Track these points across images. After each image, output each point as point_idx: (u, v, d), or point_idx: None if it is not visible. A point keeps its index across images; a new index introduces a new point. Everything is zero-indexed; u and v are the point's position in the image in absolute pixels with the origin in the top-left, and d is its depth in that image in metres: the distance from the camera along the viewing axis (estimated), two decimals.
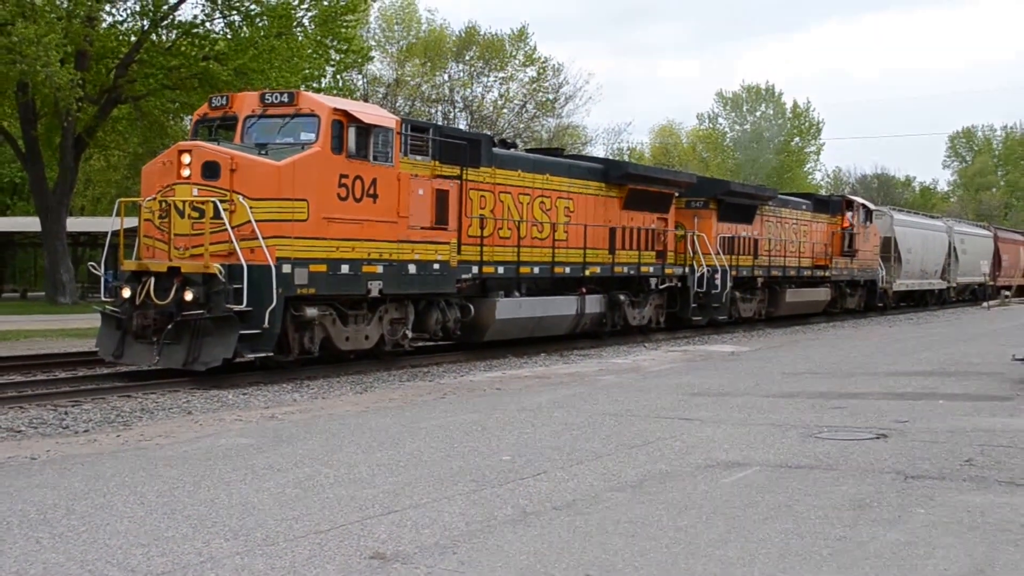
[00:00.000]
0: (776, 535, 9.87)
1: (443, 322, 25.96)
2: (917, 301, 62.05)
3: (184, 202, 20.81)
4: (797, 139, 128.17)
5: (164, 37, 51.20)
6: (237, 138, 22.22)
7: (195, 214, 20.68)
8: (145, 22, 50.81)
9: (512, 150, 30.87)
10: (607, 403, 19.15)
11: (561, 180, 30.19)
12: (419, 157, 24.46)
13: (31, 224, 60.30)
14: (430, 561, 8.96)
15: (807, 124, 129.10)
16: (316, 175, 21.33)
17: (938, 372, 25.00)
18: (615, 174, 33.00)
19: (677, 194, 36.47)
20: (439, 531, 9.92)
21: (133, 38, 50.49)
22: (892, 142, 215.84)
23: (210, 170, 20.67)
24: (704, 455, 13.95)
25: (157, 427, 16.37)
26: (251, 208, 20.32)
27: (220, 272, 20.16)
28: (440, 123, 69.90)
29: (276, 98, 22.30)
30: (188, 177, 20.74)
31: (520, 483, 12.06)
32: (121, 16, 52.92)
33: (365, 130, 22.43)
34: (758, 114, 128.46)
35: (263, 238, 20.26)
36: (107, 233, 22.89)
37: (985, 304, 68.20)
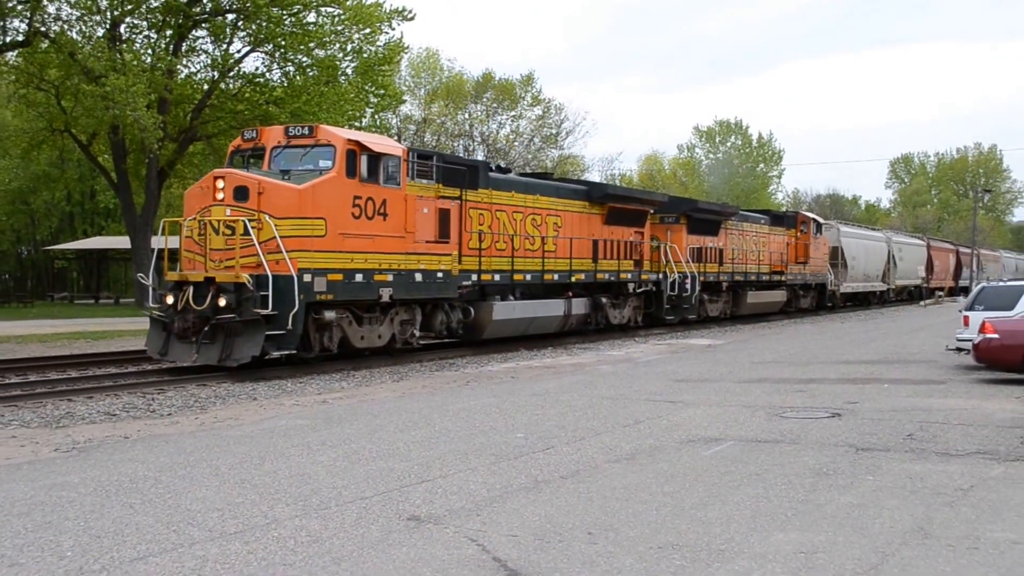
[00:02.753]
0: (748, 499, 9.86)
1: (447, 323, 25.78)
2: (861, 301, 61.68)
3: (219, 221, 20.68)
4: (762, 165, 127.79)
5: (231, 85, 51.27)
6: (265, 165, 22.09)
7: (228, 231, 20.52)
8: (215, 73, 50.94)
9: (507, 174, 30.55)
10: (605, 388, 19.14)
11: (550, 200, 29.95)
12: (424, 180, 24.11)
13: (122, 242, 60.53)
14: (458, 522, 8.97)
15: (770, 152, 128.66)
16: (333, 197, 21.16)
17: (883, 360, 24.97)
18: (597, 194, 32.73)
19: (652, 211, 36.27)
20: (465, 497, 9.92)
21: (205, 86, 50.64)
22: (842, 166, 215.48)
23: (241, 193, 20.57)
24: (687, 432, 13.94)
25: (228, 411, 16.40)
26: (276, 226, 20.20)
27: (249, 281, 20.01)
28: (461, 154, 70.01)
29: (298, 131, 22.20)
30: (222, 200, 20.65)
31: (532, 456, 12.06)
32: (195, 68, 53.21)
33: (375, 158, 22.25)
34: (728, 144, 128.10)
35: (286, 251, 20.12)
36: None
37: (922, 303, 68.02)
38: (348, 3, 49.86)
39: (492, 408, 16.29)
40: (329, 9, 49.81)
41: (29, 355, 25.47)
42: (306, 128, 22.21)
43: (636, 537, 8.52)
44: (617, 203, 33.30)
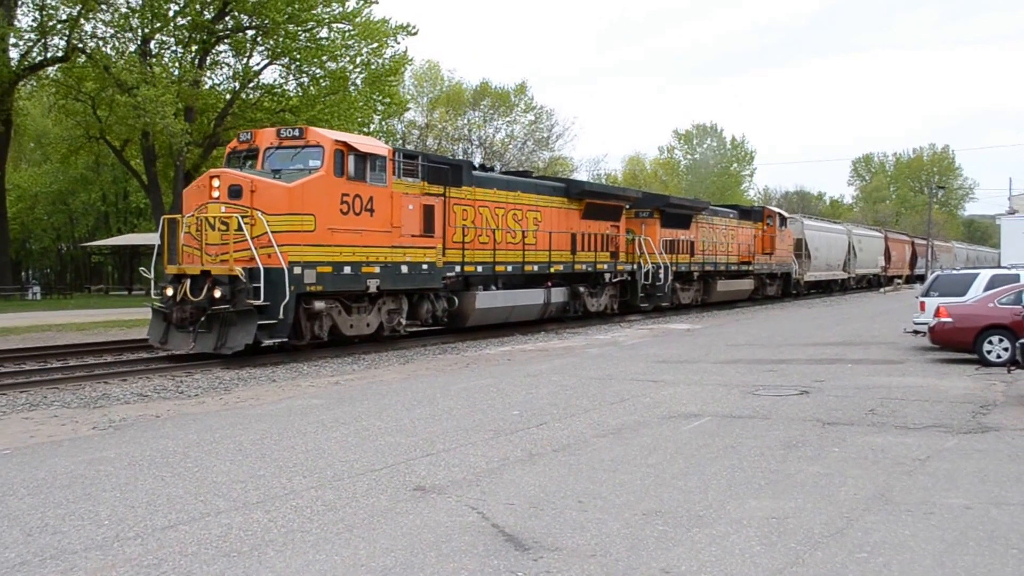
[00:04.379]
0: (724, 469, 9.85)
1: (433, 311, 25.31)
2: (824, 289, 61.11)
3: (214, 218, 20.31)
4: (735, 164, 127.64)
5: (251, 95, 51.24)
6: (259, 165, 21.57)
7: (223, 227, 20.12)
8: (236, 84, 50.93)
9: (489, 172, 29.91)
10: (593, 369, 19.11)
11: (529, 196, 29.40)
12: (410, 179, 23.63)
13: (153, 239, 60.29)
14: (459, 492, 8.96)
15: (743, 153, 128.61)
16: (321, 194, 20.73)
17: (847, 343, 24.96)
18: (574, 191, 32.23)
19: (627, 206, 35.83)
20: (466, 469, 9.91)
21: (228, 96, 50.60)
22: (809, 165, 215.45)
23: (235, 191, 20.18)
24: (668, 408, 13.93)
25: (250, 391, 16.38)
26: (267, 222, 19.81)
27: (242, 274, 19.61)
28: (460, 156, 69.82)
29: (289, 133, 21.73)
30: (217, 198, 20.27)
31: (527, 432, 12.04)
32: (218, 80, 53.17)
33: (362, 157, 21.80)
34: (705, 146, 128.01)
35: (277, 246, 19.72)
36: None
37: (882, 290, 67.97)
38: (357, 20, 49.95)
39: (490, 388, 16.26)
40: (340, 26, 49.95)
41: (68, 342, 25.45)
42: (296, 130, 21.77)
43: (622, 504, 8.51)
44: (594, 199, 32.84)
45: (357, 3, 49.99)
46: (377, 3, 54.51)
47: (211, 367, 19.52)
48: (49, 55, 48.66)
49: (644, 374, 18.25)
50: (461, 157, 72.19)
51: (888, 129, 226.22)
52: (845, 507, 8.42)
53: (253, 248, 19.70)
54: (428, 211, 24.29)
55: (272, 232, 19.80)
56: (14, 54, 49.95)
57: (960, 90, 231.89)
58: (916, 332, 23.69)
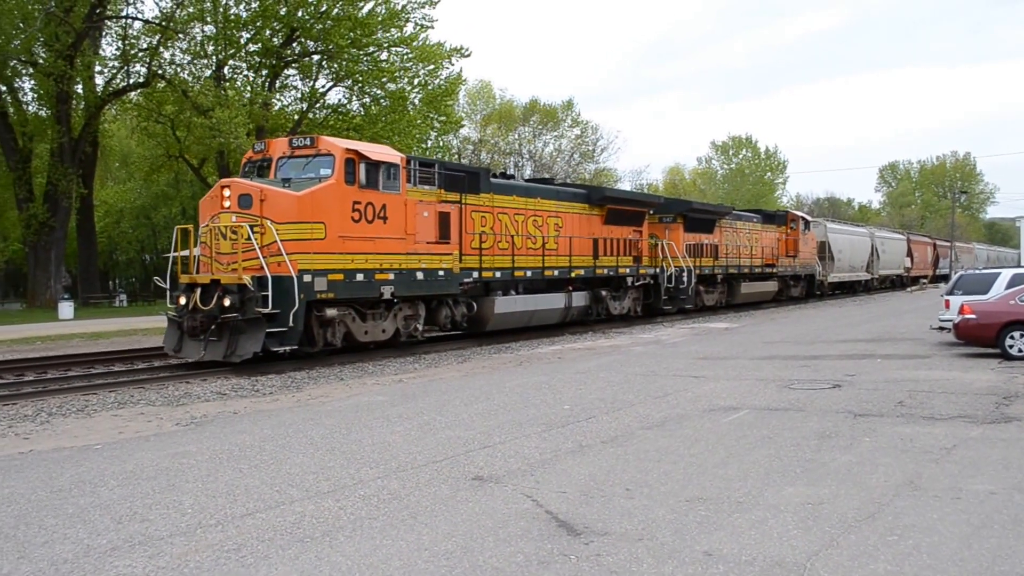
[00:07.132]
0: (762, 459, 9.80)
1: (451, 316, 24.28)
2: (848, 289, 59.71)
3: (225, 227, 19.46)
4: (769, 173, 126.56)
5: (318, 115, 51.60)
6: (271, 175, 20.55)
7: (233, 236, 19.27)
8: (304, 105, 51.35)
9: (509, 180, 28.85)
10: (638, 366, 19.06)
11: (550, 203, 28.30)
12: (426, 186, 22.71)
13: None
14: (515, 481, 8.98)
15: (776, 162, 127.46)
16: (331, 202, 19.76)
17: (876, 339, 24.69)
18: (596, 197, 31.06)
19: (650, 212, 34.89)
20: (520, 460, 9.93)
21: (296, 116, 51.02)
22: (838, 173, 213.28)
23: (245, 201, 19.26)
24: (709, 402, 13.86)
25: (320, 389, 16.51)
26: (277, 230, 18.90)
27: (250, 283, 18.79)
28: (511, 170, 69.88)
29: (301, 142, 20.67)
30: (228, 207, 19.38)
31: (577, 425, 12.04)
32: (287, 101, 53.63)
33: (374, 165, 20.75)
34: (740, 156, 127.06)
35: (287, 254, 18.83)
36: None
37: (909, 289, 67.04)
38: (415, 44, 50.16)
39: (542, 384, 16.27)
40: (399, 49, 50.20)
41: (153, 345, 25.76)
42: (308, 139, 20.87)
43: (667, 492, 8.49)
44: (615, 205, 31.82)
45: (414, 28, 50.25)
46: (433, 27, 54.53)
47: (284, 368, 19.66)
48: (131, 81, 49.46)
49: (686, 370, 18.17)
50: (512, 170, 72.40)
51: (914, 137, 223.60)
52: (876, 493, 8.34)
53: (261, 257, 18.92)
54: (444, 218, 23.37)
55: (281, 240, 18.97)
56: (100, 81, 50.99)
57: (985, 101, 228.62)
58: (941, 328, 23.42)
